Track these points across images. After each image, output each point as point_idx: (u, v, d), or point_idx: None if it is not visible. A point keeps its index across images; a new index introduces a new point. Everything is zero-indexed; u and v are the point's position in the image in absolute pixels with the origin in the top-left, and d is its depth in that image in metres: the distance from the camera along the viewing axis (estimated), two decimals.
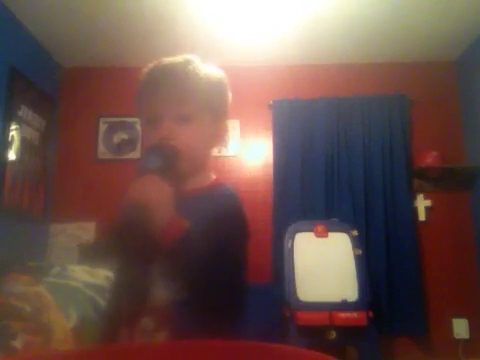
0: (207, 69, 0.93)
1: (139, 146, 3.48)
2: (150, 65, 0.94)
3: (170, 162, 0.82)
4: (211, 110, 0.91)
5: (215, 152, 3.49)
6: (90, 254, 2.93)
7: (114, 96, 3.53)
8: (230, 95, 0.97)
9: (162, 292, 0.80)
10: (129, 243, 0.78)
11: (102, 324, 0.88)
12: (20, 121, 2.93)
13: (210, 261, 0.77)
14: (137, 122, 3.50)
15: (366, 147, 3.37)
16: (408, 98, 3.46)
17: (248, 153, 3.52)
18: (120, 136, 3.51)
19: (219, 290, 0.78)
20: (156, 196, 0.77)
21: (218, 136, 0.96)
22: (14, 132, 2.86)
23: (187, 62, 0.90)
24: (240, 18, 2.95)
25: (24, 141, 2.97)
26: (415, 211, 3.32)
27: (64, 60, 3.55)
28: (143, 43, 3.24)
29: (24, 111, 2.97)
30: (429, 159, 3.27)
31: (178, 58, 0.92)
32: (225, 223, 0.82)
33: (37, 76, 3.17)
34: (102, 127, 3.53)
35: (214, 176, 0.98)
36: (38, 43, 3.22)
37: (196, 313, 0.78)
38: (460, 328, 3.14)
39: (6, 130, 2.78)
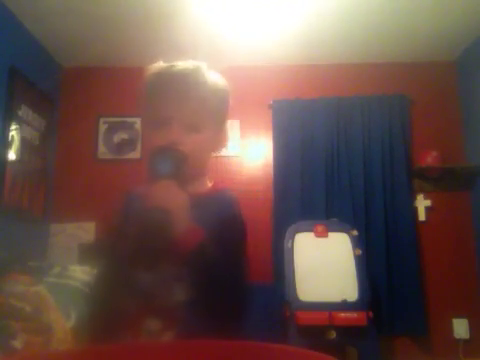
0: (213, 77, 0.94)
1: (139, 146, 3.48)
2: (157, 66, 0.94)
3: (180, 167, 0.82)
4: (216, 118, 0.94)
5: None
6: (90, 254, 2.93)
7: (114, 96, 3.53)
8: (230, 102, 0.99)
9: (169, 293, 0.81)
10: (141, 246, 0.79)
11: (103, 325, 0.87)
12: (20, 121, 2.93)
13: (220, 265, 0.80)
14: (137, 122, 3.50)
15: (366, 147, 3.37)
16: (408, 98, 3.46)
17: (248, 153, 3.52)
18: (120, 136, 3.51)
19: (228, 292, 0.81)
20: (176, 202, 0.78)
21: (220, 142, 0.99)
22: (14, 132, 2.86)
23: (197, 69, 0.92)
24: (240, 18, 2.95)
25: (24, 141, 2.97)
26: (415, 211, 3.32)
27: (64, 60, 3.54)
28: (143, 43, 3.24)
29: (24, 111, 2.97)
30: (429, 159, 3.27)
31: (188, 64, 0.93)
32: (231, 228, 0.86)
33: (37, 76, 3.17)
34: (102, 127, 3.53)
35: (209, 182, 0.99)
36: (38, 43, 3.22)
37: (203, 314, 0.80)
38: (460, 328, 3.14)
39: (6, 130, 2.77)
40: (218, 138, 0.97)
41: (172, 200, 0.78)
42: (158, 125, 0.89)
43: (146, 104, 0.93)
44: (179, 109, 0.88)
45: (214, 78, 0.94)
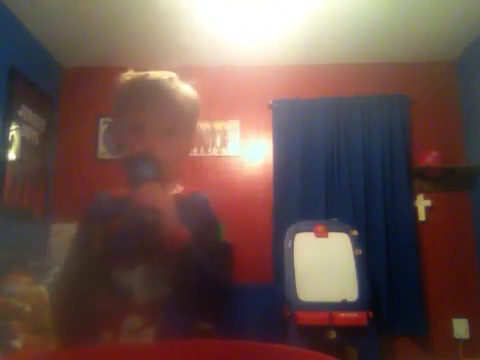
0: (185, 87, 0.99)
1: None
2: (131, 74, 0.99)
3: (160, 171, 0.86)
4: (188, 125, 1.00)
5: (215, 153, 3.51)
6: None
7: None
8: (200, 111, 1.05)
9: (149, 291, 0.85)
10: (130, 244, 0.83)
11: (81, 323, 0.91)
12: (20, 121, 2.93)
13: (204, 262, 0.85)
14: None
15: (366, 147, 3.37)
16: (408, 98, 3.46)
17: (248, 153, 3.52)
18: None
19: (213, 288, 0.87)
20: (165, 203, 0.82)
21: (190, 148, 1.05)
22: (14, 132, 2.86)
23: (171, 79, 0.96)
24: (240, 18, 2.95)
25: (24, 141, 2.97)
26: (415, 211, 3.32)
27: (64, 60, 3.55)
28: (143, 43, 3.24)
29: (24, 111, 2.97)
30: (429, 159, 3.27)
31: (162, 73, 0.97)
32: (210, 227, 0.95)
33: (37, 76, 3.17)
34: (102, 127, 3.53)
35: (180, 185, 1.04)
36: (38, 43, 3.22)
37: (185, 310, 0.85)
38: (460, 328, 3.14)
39: (6, 130, 2.77)
40: (189, 143, 1.03)
41: (161, 201, 0.82)
42: (133, 130, 0.93)
43: (121, 110, 0.97)
44: (155, 115, 0.92)
45: (186, 88, 1.00)
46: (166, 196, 0.84)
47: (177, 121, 0.95)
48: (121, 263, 0.86)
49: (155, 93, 0.93)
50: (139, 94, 0.94)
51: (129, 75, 0.99)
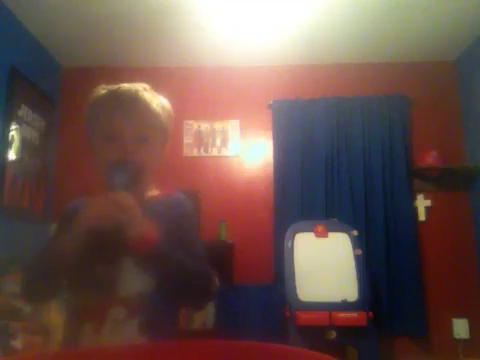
0: (158, 97, 1.05)
1: None
2: (104, 87, 1.04)
3: (136, 177, 0.94)
4: (162, 132, 1.05)
5: (215, 153, 3.52)
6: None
7: None
8: (173, 119, 1.10)
9: (132, 284, 0.91)
10: (102, 245, 0.90)
11: (67, 319, 0.97)
12: (20, 121, 2.93)
13: (179, 257, 0.93)
14: None
15: (366, 147, 3.38)
16: (408, 98, 3.46)
17: (248, 153, 3.52)
18: None
19: (188, 280, 0.93)
20: (130, 210, 0.87)
21: (164, 154, 1.09)
22: (14, 132, 2.86)
23: (144, 89, 1.02)
24: (240, 18, 2.95)
25: (24, 141, 2.97)
26: (415, 211, 3.32)
27: (64, 60, 3.55)
28: (143, 43, 3.24)
29: (24, 111, 2.97)
30: (429, 159, 3.27)
31: (136, 85, 1.03)
32: (187, 223, 1.03)
33: (37, 76, 3.17)
34: None
35: (157, 188, 1.09)
36: (38, 43, 3.22)
37: (166, 302, 0.92)
38: (460, 328, 3.14)
39: (6, 130, 2.77)
40: (164, 149, 1.08)
41: (126, 205, 0.87)
42: (111, 139, 0.97)
43: (96, 121, 1.01)
44: (130, 123, 0.97)
45: (159, 98, 1.05)
46: (133, 203, 0.88)
47: (152, 129, 1.00)
48: (104, 259, 0.92)
49: (131, 102, 0.98)
50: (115, 104, 0.98)
51: (103, 89, 1.03)
